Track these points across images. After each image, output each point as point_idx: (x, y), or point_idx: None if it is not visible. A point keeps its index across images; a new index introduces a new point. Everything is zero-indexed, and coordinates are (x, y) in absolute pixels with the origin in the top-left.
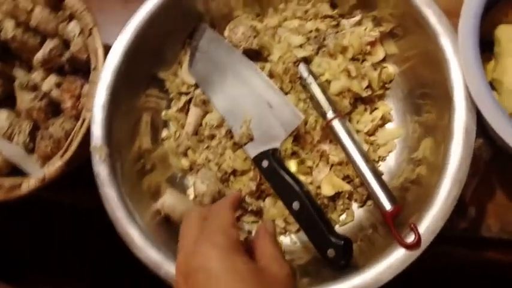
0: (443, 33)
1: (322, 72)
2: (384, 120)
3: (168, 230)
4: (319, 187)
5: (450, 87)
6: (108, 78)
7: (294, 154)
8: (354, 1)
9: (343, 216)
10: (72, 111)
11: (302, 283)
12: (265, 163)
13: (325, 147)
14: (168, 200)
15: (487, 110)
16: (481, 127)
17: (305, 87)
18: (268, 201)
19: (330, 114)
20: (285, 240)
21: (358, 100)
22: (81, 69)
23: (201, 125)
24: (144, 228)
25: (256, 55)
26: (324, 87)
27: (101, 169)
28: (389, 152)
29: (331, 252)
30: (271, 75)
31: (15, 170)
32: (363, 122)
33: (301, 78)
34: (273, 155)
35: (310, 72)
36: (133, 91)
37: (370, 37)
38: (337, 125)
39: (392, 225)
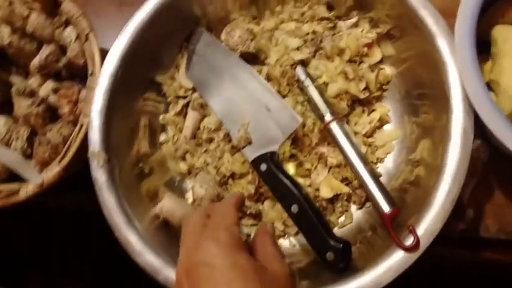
0: (440, 35)
1: (319, 74)
2: (382, 121)
3: (167, 234)
4: (317, 189)
5: (447, 88)
6: (105, 84)
7: (292, 157)
8: (350, 2)
9: (341, 219)
10: (70, 117)
11: (301, 286)
12: (263, 166)
13: (324, 149)
14: (167, 205)
15: (484, 112)
16: (479, 128)
17: (302, 89)
18: (267, 204)
19: (327, 117)
20: (284, 243)
21: (355, 102)
22: (78, 74)
23: (199, 128)
24: (142, 233)
25: (253, 58)
26: (322, 90)
27: (99, 175)
28: (388, 153)
29: (330, 255)
30: (268, 78)
31: (13, 176)
32: (361, 124)
33: (298, 81)
34: (271, 158)
35: (308, 75)
36: (131, 95)
37: (367, 39)
38: (335, 127)
39: (391, 227)
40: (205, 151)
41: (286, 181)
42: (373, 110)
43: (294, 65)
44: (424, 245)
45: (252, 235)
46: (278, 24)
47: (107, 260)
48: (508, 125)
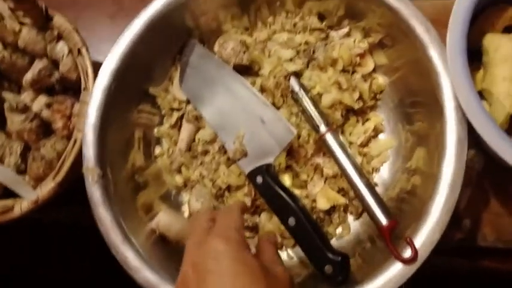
0: (431, 45)
1: (313, 85)
2: (377, 131)
3: (163, 249)
4: (314, 201)
5: (440, 98)
6: (98, 98)
7: (288, 168)
8: (341, 12)
9: (339, 230)
10: (64, 131)
11: None
12: (259, 179)
13: (319, 160)
14: (163, 219)
15: (477, 121)
16: (473, 137)
17: (297, 101)
18: (263, 216)
19: (322, 128)
20: (282, 255)
21: (349, 112)
22: (72, 88)
23: (194, 140)
24: (139, 249)
25: (246, 70)
26: (316, 101)
27: (94, 190)
28: (383, 162)
29: (328, 269)
30: (262, 89)
31: (7, 191)
32: (356, 134)
33: (292, 92)
34: (267, 170)
35: (301, 86)
36: (125, 108)
37: (359, 49)
38: (330, 139)
39: (389, 239)
40: (201, 163)
41: (282, 194)
42: (368, 120)
43: (287, 76)
44: (422, 256)
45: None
46: (271, 35)
47: (107, 258)
48: (500, 134)
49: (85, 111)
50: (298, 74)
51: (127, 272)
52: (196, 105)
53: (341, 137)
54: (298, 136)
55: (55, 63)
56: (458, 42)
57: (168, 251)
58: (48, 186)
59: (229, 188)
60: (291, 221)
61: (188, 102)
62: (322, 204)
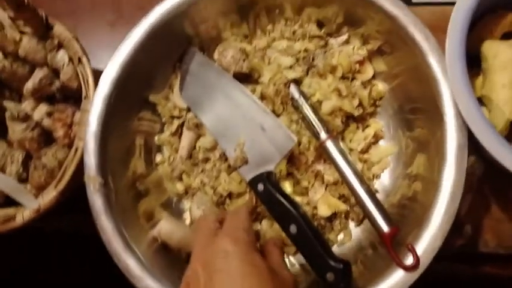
0: (431, 52)
1: (313, 92)
2: (377, 137)
3: (165, 257)
4: (315, 207)
5: (440, 105)
6: (99, 106)
7: (289, 175)
8: (340, 19)
9: (340, 236)
10: (65, 140)
11: None
12: (260, 186)
13: (320, 167)
14: (165, 227)
15: (477, 128)
16: (473, 143)
17: (297, 108)
18: (265, 223)
19: (322, 135)
20: None
21: (349, 119)
22: (72, 96)
23: (194, 148)
24: (141, 257)
25: (246, 77)
26: (316, 108)
27: (96, 199)
28: (384, 169)
29: (330, 276)
30: (262, 97)
31: (8, 200)
32: (356, 141)
33: (292, 99)
34: (268, 178)
35: (301, 93)
36: (126, 115)
37: (359, 56)
38: (330, 146)
39: (391, 246)
40: (202, 171)
41: (284, 201)
42: (368, 126)
43: (287, 84)
44: (424, 263)
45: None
46: (270, 42)
47: (107, 260)
48: (500, 140)
49: (86, 120)
50: (298, 82)
51: (129, 280)
52: (197, 112)
53: (341, 144)
54: (299, 143)
55: (56, 72)
56: (457, 49)
57: (170, 259)
58: (49, 195)
59: (230, 196)
60: (293, 228)
61: (188, 109)
62: (323, 211)
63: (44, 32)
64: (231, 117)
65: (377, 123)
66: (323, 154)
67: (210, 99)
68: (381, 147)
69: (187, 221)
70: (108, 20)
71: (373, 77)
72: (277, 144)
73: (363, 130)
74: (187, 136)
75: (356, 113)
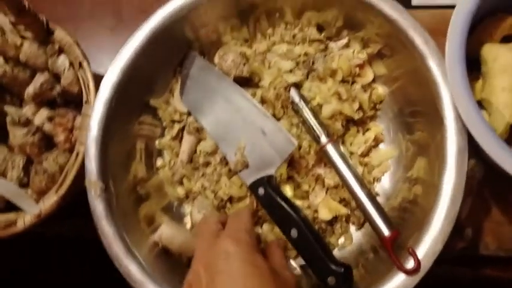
0: (430, 56)
1: (313, 96)
2: (377, 141)
3: (166, 262)
4: (316, 211)
5: (440, 108)
6: (100, 111)
7: (289, 179)
8: (340, 23)
9: (341, 240)
10: (66, 145)
11: None
12: (261, 190)
13: (320, 171)
14: (166, 232)
15: (477, 131)
16: (473, 146)
17: (297, 112)
18: (265, 227)
19: (323, 139)
20: None
21: (350, 122)
22: (73, 101)
23: (195, 152)
24: (142, 262)
25: (246, 81)
26: (316, 111)
27: (97, 204)
28: (384, 172)
29: (331, 280)
30: (263, 101)
31: (9, 204)
32: (356, 144)
33: (292, 103)
34: (268, 182)
35: (302, 97)
36: (126, 119)
37: (359, 59)
38: (331, 150)
39: (391, 250)
40: (203, 175)
41: (284, 205)
42: (368, 130)
43: (287, 88)
44: (425, 267)
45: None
46: (270, 46)
47: (107, 261)
48: (500, 143)
49: (87, 125)
50: (298, 85)
51: (130, 286)
52: (197, 117)
53: (342, 148)
54: (299, 147)
55: (56, 77)
56: (457, 52)
57: (171, 264)
58: (51, 200)
59: (231, 199)
60: (293, 232)
61: (189, 114)
62: (324, 214)
63: (44, 37)
64: (231, 121)
65: (377, 127)
66: (323, 158)
67: (210, 103)
68: (381, 151)
69: (188, 225)
70: (108, 24)
71: (373, 80)
72: (278, 148)
73: (363, 133)
74: (187, 140)
75: (356, 117)
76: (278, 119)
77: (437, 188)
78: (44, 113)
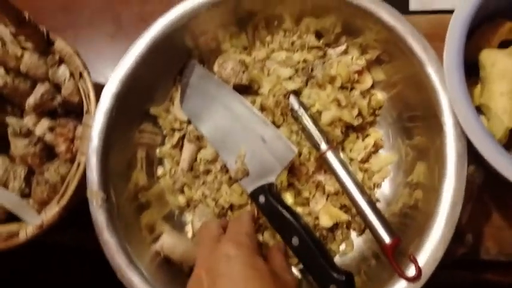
0: (429, 63)
1: (312, 103)
2: (377, 146)
3: (168, 272)
4: (317, 218)
5: (439, 114)
6: (100, 121)
7: (290, 186)
8: (338, 29)
9: (342, 246)
10: (67, 155)
11: None
12: (262, 198)
13: (321, 177)
14: (167, 241)
15: (476, 137)
16: (472, 152)
17: (297, 119)
18: (267, 234)
19: (323, 146)
20: None
21: (349, 128)
22: (74, 111)
23: (195, 160)
24: (144, 272)
25: (246, 89)
26: (315, 118)
27: (99, 214)
28: (384, 178)
29: None
30: (262, 108)
31: (11, 215)
32: (356, 150)
33: (292, 110)
34: (269, 189)
35: (301, 104)
36: (127, 129)
37: (357, 66)
38: (331, 157)
39: (392, 258)
40: (203, 183)
41: (285, 213)
42: (367, 136)
43: (287, 95)
44: (426, 274)
45: None
46: (269, 54)
47: (107, 263)
48: (499, 149)
49: (88, 135)
50: (297, 92)
51: None
52: (197, 125)
53: (341, 154)
54: (299, 154)
55: (57, 87)
56: (455, 58)
57: (173, 273)
58: (52, 211)
59: (231, 207)
60: (295, 240)
61: (189, 122)
62: (325, 221)
63: (45, 47)
64: (231, 129)
65: (377, 133)
66: (324, 165)
67: (210, 112)
68: (381, 156)
69: (190, 234)
70: (107, 32)
71: (372, 86)
72: (278, 155)
73: (363, 140)
74: (188, 148)
75: (356, 123)
76: (278, 126)
77: (438, 193)
78: (45, 123)
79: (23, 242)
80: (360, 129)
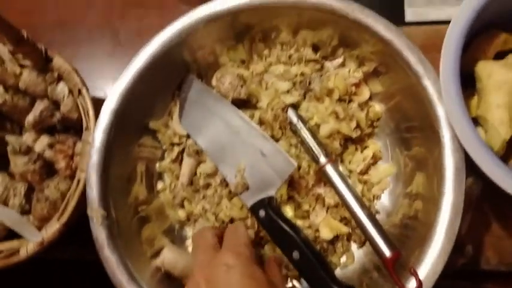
0: (425, 76)
1: (310, 116)
2: (375, 158)
3: (169, 287)
4: (317, 230)
5: (437, 126)
6: (100, 137)
7: (289, 199)
8: (335, 42)
9: (343, 259)
10: (67, 171)
11: None
12: (262, 212)
13: (320, 190)
14: (168, 256)
15: (473, 150)
16: (470, 163)
17: (295, 132)
18: (267, 248)
19: (322, 159)
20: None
21: (348, 141)
22: (73, 127)
23: (195, 174)
24: None
25: (244, 103)
26: (314, 131)
27: (99, 232)
28: (384, 189)
29: None
30: (261, 122)
31: (11, 232)
32: (355, 162)
33: (290, 123)
34: (269, 203)
35: (299, 118)
36: (126, 143)
37: (354, 78)
38: (330, 170)
39: (393, 271)
40: (203, 197)
41: (286, 228)
42: (366, 147)
43: (285, 108)
44: (427, 286)
45: None
46: (267, 67)
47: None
48: (496, 161)
49: (87, 151)
50: (295, 106)
51: None
52: (197, 139)
53: (341, 166)
54: (299, 167)
55: (56, 104)
56: (452, 70)
57: None
58: (53, 228)
59: (232, 221)
60: (295, 254)
61: (188, 136)
62: (325, 233)
63: (43, 64)
64: (230, 143)
65: (375, 144)
66: (323, 177)
67: (209, 126)
68: (380, 168)
69: (190, 249)
70: (106, 48)
71: (370, 98)
72: (277, 169)
73: (362, 151)
74: (187, 163)
75: (354, 135)
76: (277, 140)
77: (437, 204)
78: (44, 140)
79: (24, 259)
80: (358, 141)
